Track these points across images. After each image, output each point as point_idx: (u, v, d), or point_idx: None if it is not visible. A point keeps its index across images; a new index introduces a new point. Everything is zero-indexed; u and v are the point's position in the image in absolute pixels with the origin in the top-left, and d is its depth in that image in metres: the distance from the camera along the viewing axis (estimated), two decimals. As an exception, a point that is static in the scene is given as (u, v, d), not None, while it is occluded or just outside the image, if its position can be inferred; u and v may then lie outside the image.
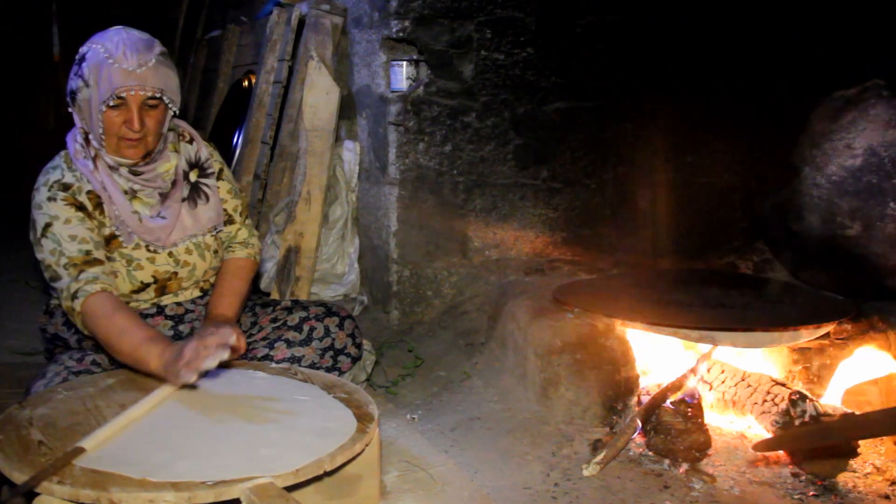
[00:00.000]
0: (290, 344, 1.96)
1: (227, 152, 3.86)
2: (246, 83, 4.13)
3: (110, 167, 1.78)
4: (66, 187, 1.75)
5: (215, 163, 1.98)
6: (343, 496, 1.52)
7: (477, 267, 2.92)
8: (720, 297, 2.40)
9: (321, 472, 1.33)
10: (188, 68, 5.67)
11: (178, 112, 1.82)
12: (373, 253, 3.09)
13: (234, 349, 1.60)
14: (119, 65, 1.66)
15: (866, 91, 2.56)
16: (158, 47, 1.74)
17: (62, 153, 1.83)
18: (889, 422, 1.64)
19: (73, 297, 1.66)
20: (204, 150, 1.95)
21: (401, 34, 2.77)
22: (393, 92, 2.84)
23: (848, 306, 2.35)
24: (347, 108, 3.23)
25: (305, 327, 1.98)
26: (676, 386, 2.09)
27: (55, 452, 1.32)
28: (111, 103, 1.68)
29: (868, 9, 2.94)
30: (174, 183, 1.87)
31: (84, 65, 1.71)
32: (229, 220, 2.00)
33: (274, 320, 2.03)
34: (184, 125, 1.97)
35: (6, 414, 1.48)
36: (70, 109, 1.80)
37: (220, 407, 1.54)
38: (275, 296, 2.97)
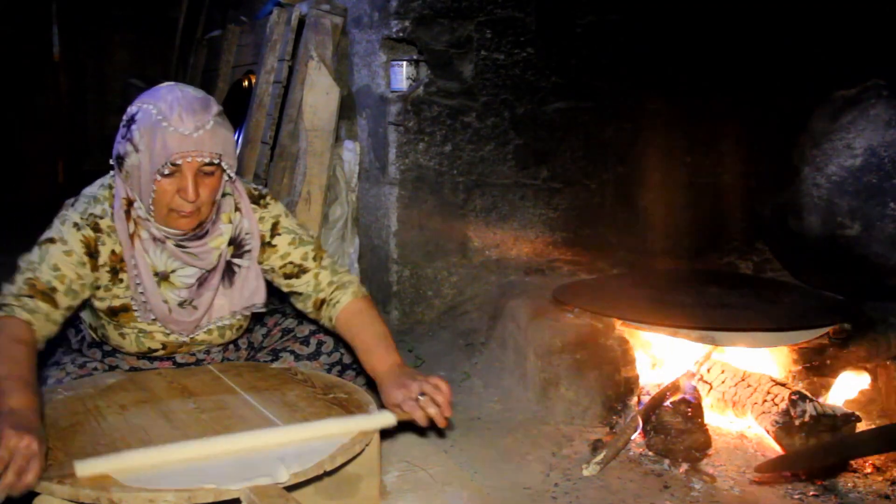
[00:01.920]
0: (297, 357, 1.92)
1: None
2: (246, 83, 4.13)
3: (156, 239, 1.64)
4: (96, 228, 1.63)
5: (264, 223, 1.77)
6: (343, 496, 1.52)
7: (477, 267, 2.92)
8: (720, 297, 2.40)
9: (321, 472, 1.33)
10: (188, 68, 5.67)
11: (234, 177, 1.67)
12: (373, 253, 3.09)
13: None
14: (175, 128, 1.50)
15: (866, 91, 2.56)
16: (215, 106, 1.60)
17: (111, 194, 1.65)
18: (893, 438, 1.64)
19: (1, 306, 1.53)
20: (246, 223, 1.74)
21: (401, 34, 2.77)
22: (393, 92, 2.84)
23: (848, 306, 2.35)
24: (347, 108, 3.23)
25: (313, 341, 1.95)
26: (676, 386, 2.09)
27: (55, 452, 1.32)
28: (165, 172, 1.53)
29: (868, 9, 2.94)
30: (215, 267, 1.71)
31: (133, 127, 1.54)
32: (302, 271, 1.79)
33: (284, 331, 1.99)
34: (238, 189, 1.75)
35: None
36: (114, 174, 1.65)
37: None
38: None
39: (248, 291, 1.76)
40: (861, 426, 2.03)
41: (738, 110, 3.08)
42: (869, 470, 1.93)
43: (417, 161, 2.83)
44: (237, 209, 1.74)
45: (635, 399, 2.18)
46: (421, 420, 1.55)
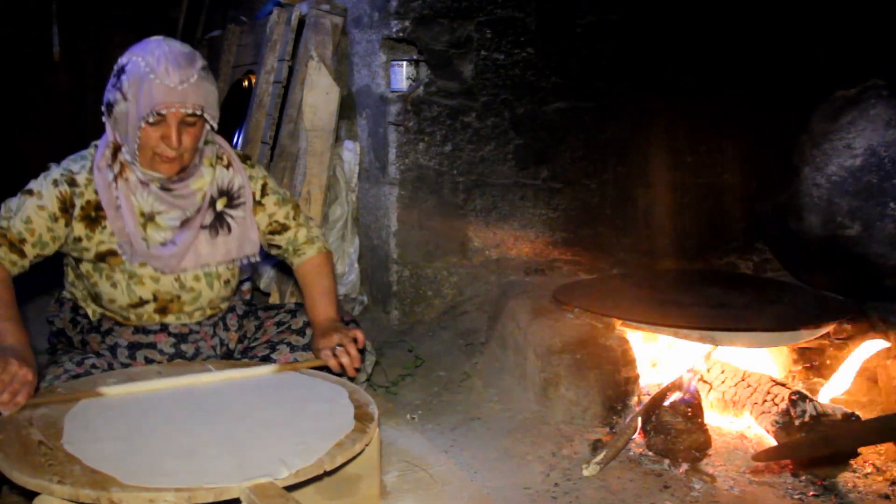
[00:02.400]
0: (293, 348, 1.93)
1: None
2: (246, 83, 4.13)
3: (141, 182, 1.73)
4: (72, 183, 1.73)
5: (256, 178, 1.91)
6: (343, 496, 1.52)
7: (477, 267, 2.92)
8: (720, 297, 2.40)
9: (321, 472, 1.33)
10: (188, 68, 5.66)
11: (216, 127, 1.76)
12: (373, 253, 3.09)
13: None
14: (160, 80, 1.60)
15: (866, 91, 2.56)
16: (200, 61, 1.68)
17: (95, 151, 1.78)
18: (891, 428, 1.64)
19: None
20: (239, 178, 1.87)
21: (401, 34, 2.77)
22: (393, 92, 2.84)
23: (848, 306, 2.35)
24: (347, 108, 3.23)
25: (308, 332, 1.96)
26: (676, 386, 2.09)
27: (55, 452, 1.32)
28: (151, 120, 1.63)
29: (868, 9, 2.94)
30: (198, 210, 1.80)
31: (123, 77, 1.65)
32: (284, 228, 1.96)
33: (278, 323, 2.01)
34: (225, 146, 1.89)
35: (6, 414, 1.48)
36: (104, 119, 1.74)
37: (222, 406, 1.54)
38: (275, 296, 2.97)
39: (234, 244, 1.86)
40: (861, 426, 2.03)
41: (738, 110, 3.08)
42: (869, 470, 1.93)
43: (417, 161, 2.83)
44: (219, 158, 1.85)
45: (635, 399, 2.18)
46: (333, 367, 1.76)
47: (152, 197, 1.75)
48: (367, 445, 1.46)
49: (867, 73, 2.62)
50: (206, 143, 1.80)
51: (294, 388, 1.68)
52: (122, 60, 1.67)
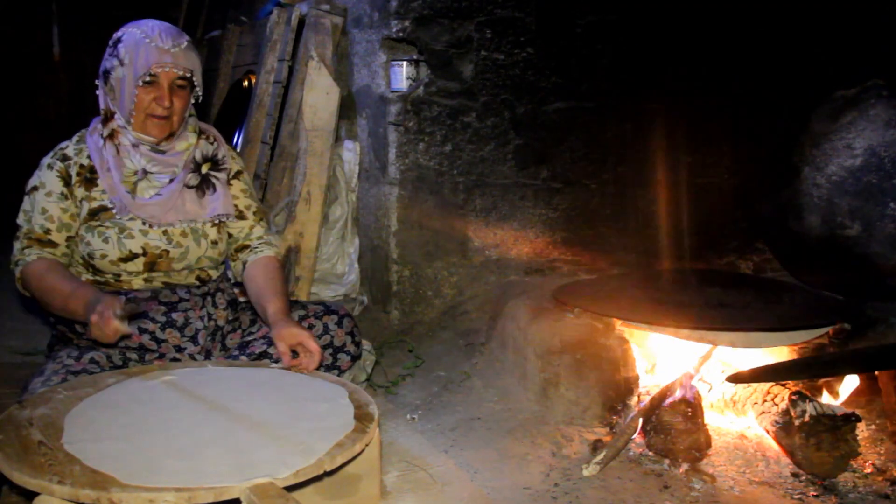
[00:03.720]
0: None
1: (227, 152, 3.85)
2: (246, 83, 4.13)
3: (133, 145, 1.87)
4: (64, 158, 1.88)
5: (234, 164, 2.06)
6: (343, 496, 1.52)
7: (477, 267, 2.92)
8: (720, 297, 2.40)
9: (321, 472, 1.33)
10: (188, 68, 5.65)
11: (199, 99, 1.93)
12: (373, 253, 3.09)
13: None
14: (155, 43, 1.79)
15: (866, 91, 2.56)
16: (187, 36, 1.88)
17: (82, 130, 1.93)
18: (869, 357, 1.66)
19: (16, 264, 1.86)
20: (222, 150, 2.03)
21: (401, 34, 2.77)
22: (393, 92, 2.84)
23: (848, 306, 2.35)
24: (347, 108, 3.23)
25: (304, 325, 1.98)
26: (676, 385, 2.09)
27: (55, 452, 1.32)
28: (147, 79, 1.79)
29: (868, 9, 2.94)
30: (184, 167, 1.94)
31: (120, 45, 1.82)
32: (241, 216, 2.04)
33: None
34: (211, 129, 2.05)
35: (6, 414, 1.48)
36: (98, 91, 1.89)
37: (220, 404, 1.54)
38: (275, 296, 2.97)
39: (219, 203, 1.97)
40: (861, 426, 2.03)
41: (738, 110, 3.08)
42: (869, 470, 1.93)
43: (417, 161, 2.83)
44: (205, 133, 2.00)
45: (635, 399, 2.18)
46: (286, 362, 1.79)
47: (145, 158, 1.89)
48: (367, 445, 1.46)
49: (867, 73, 2.62)
50: (190, 115, 1.96)
51: (294, 387, 1.68)
52: (118, 34, 1.85)
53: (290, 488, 1.28)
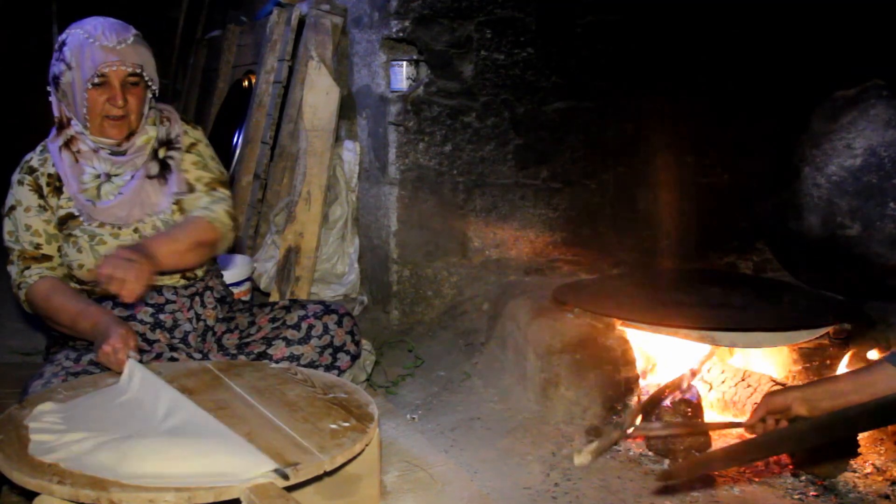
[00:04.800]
0: (288, 342, 1.96)
1: (227, 152, 3.86)
2: (246, 83, 4.13)
3: (93, 150, 1.84)
4: (31, 170, 1.86)
5: (188, 137, 1.98)
6: (343, 496, 1.52)
7: (477, 267, 2.92)
8: (720, 297, 2.40)
9: (321, 472, 1.33)
10: (188, 68, 5.67)
11: (157, 93, 1.88)
12: (373, 253, 3.09)
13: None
14: (99, 42, 1.74)
15: (866, 91, 2.56)
16: (133, 29, 1.82)
17: (45, 140, 1.91)
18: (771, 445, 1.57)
19: (18, 287, 1.84)
20: (176, 128, 1.96)
21: (401, 34, 2.77)
22: (393, 92, 2.84)
23: (848, 306, 2.35)
24: (347, 108, 3.23)
25: (304, 325, 1.98)
26: (676, 385, 2.09)
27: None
28: (95, 81, 1.75)
29: (868, 9, 2.94)
30: (144, 163, 1.90)
31: (65, 49, 1.78)
32: (190, 189, 1.95)
33: (273, 319, 2.03)
34: (168, 108, 2.00)
35: (6, 414, 1.48)
36: (50, 98, 1.85)
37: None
38: (275, 296, 2.97)
39: (175, 182, 1.92)
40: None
41: (738, 110, 3.08)
42: (869, 470, 1.93)
43: (417, 161, 2.83)
44: (161, 116, 1.95)
45: (635, 399, 2.18)
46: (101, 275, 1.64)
47: (106, 163, 1.86)
48: (367, 445, 1.46)
49: (867, 73, 2.62)
50: (150, 108, 1.91)
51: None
52: (61, 36, 1.82)
53: (290, 488, 1.28)
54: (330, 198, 3.12)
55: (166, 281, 1.92)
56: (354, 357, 2.07)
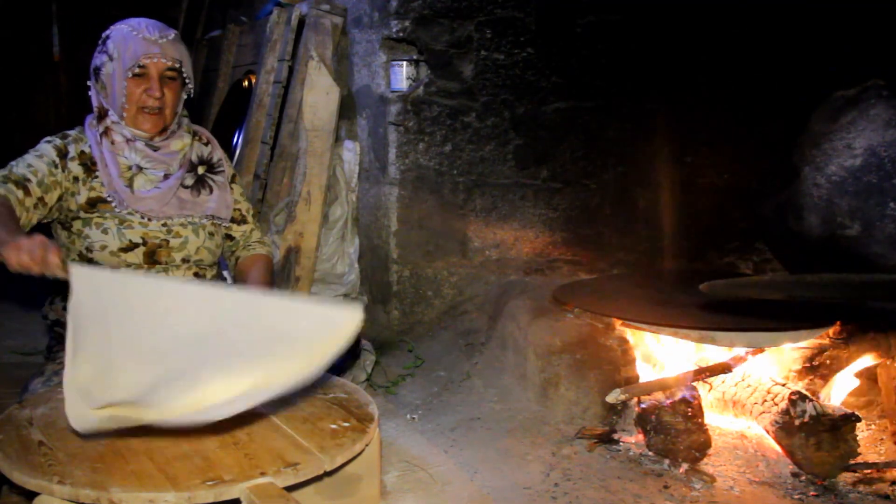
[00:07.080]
0: None
1: (227, 152, 3.85)
2: (246, 83, 4.12)
3: (127, 140, 1.87)
4: (64, 136, 1.89)
5: (229, 168, 2.08)
6: (343, 496, 1.52)
7: (477, 267, 2.92)
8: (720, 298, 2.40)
9: (321, 472, 1.33)
10: (188, 68, 5.64)
11: (192, 93, 1.93)
12: (373, 253, 3.09)
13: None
14: (142, 35, 1.81)
15: (866, 91, 2.56)
16: (175, 30, 1.89)
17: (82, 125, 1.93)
18: None
19: None
20: (217, 153, 2.04)
21: (401, 34, 2.76)
22: (393, 92, 2.84)
23: (848, 306, 2.35)
24: (347, 108, 3.23)
25: None
26: (676, 385, 2.09)
27: (55, 452, 1.32)
28: (136, 71, 1.80)
29: (867, 9, 2.94)
30: (180, 167, 1.95)
31: (109, 42, 1.84)
32: (243, 220, 2.07)
33: None
34: (204, 131, 2.08)
35: (6, 414, 1.48)
36: (90, 92, 1.90)
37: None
38: (275, 296, 2.97)
39: (215, 203, 1.98)
40: (861, 426, 2.03)
41: (738, 110, 3.08)
42: (869, 470, 1.93)
43: (417, 161, 2.83)
44: (198, 135, 2.02)
45: (635, 399, 2.18)
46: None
47: (139, 154, 1.89)
48: (367, 445, 1.46)
49: (867, 73, 2.62)
50: (184, 115, 1.97)
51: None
52: (106, 32, 1.87)
53: (290, 488, 1.28)
54: (330, 198, 3.12)
55: (178, 275, 1.93)
56: (354, 356, 2.06)
